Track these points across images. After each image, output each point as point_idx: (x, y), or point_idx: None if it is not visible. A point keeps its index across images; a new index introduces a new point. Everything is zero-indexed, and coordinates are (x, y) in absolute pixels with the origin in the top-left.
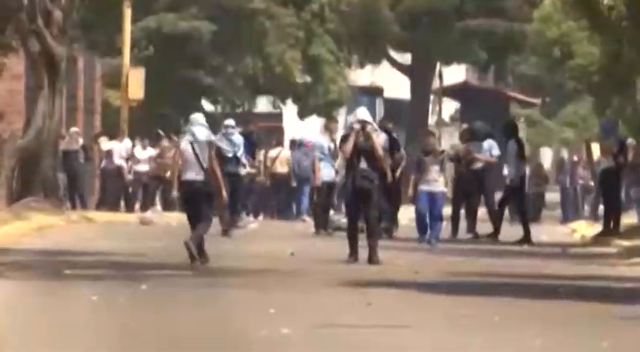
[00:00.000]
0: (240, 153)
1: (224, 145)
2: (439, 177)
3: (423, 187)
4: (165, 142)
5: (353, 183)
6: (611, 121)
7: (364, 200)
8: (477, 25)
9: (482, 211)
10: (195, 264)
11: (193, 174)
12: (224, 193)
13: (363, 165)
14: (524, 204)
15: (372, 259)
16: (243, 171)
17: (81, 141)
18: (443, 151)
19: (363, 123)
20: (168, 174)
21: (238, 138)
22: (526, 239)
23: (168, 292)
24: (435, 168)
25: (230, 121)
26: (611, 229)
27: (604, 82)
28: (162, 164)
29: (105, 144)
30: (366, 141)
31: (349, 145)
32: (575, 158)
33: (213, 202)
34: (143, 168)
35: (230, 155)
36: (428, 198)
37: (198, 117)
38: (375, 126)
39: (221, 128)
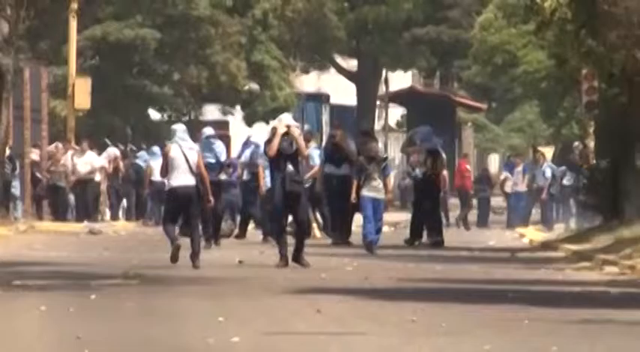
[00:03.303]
0: (223, 160)
1: (207, 153)
2: (380, 184)
3: (367, 193)
4: (53, 148)
5: (282, 187)
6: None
7: (294, 203)
8: (423, 33)
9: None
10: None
11: (185, 179)
12: (210, 198)
13: (290, 168)
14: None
15: (299, 260)
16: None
17: (8, 151)
18: (386, 158)
19: (288, 128)
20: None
21: (220, 146)
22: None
23: (117, 302)
24: (378, 174)
25: (209, 129)
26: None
27: (552, 87)
28: (55, 172)
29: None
30: (290, 145)
31: (274, 146)
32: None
33: (200, 207)
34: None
35: (213, 161)
36: (372, 204)
37: (180, 126)
38: (299, 129)
39: (200, 137)
